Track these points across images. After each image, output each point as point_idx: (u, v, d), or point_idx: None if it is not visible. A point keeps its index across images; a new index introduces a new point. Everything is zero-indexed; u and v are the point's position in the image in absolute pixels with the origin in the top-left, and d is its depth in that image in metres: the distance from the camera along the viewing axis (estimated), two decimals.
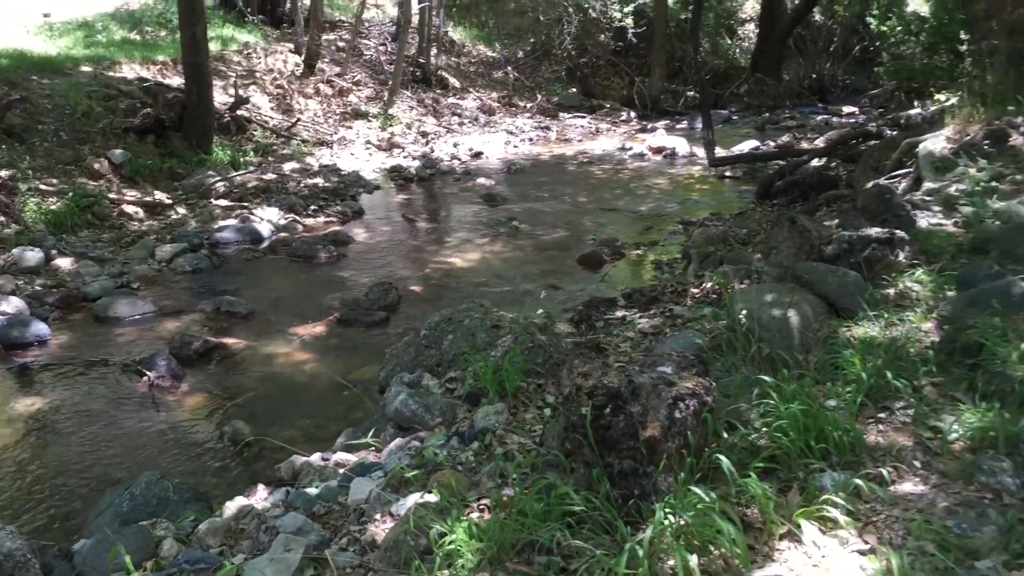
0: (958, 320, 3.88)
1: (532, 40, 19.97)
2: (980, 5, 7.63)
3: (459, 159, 13.42)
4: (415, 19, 17.30)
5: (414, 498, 3.17)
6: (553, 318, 6.05)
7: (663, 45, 17.43)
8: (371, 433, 4.21)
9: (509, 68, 18.94)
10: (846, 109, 17.54)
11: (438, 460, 3.62)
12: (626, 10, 17.85)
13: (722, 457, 2.82)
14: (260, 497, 3.73)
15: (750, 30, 21.88)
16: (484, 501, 3.16)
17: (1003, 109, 6.88)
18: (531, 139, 15.24)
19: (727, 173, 11.66)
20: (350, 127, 14.38)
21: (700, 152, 12.11)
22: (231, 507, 3.50)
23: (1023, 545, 2.58)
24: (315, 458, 4.15)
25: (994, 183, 6.02)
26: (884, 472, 2.98)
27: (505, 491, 3.16)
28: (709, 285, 6.26)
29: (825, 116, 16.94)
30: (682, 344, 4.50)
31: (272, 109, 13.90)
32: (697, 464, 2.95)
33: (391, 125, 14.64)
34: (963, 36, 9.49)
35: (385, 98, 15.42)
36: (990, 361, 3.57)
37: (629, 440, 2.92)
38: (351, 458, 4.07)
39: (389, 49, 17.69)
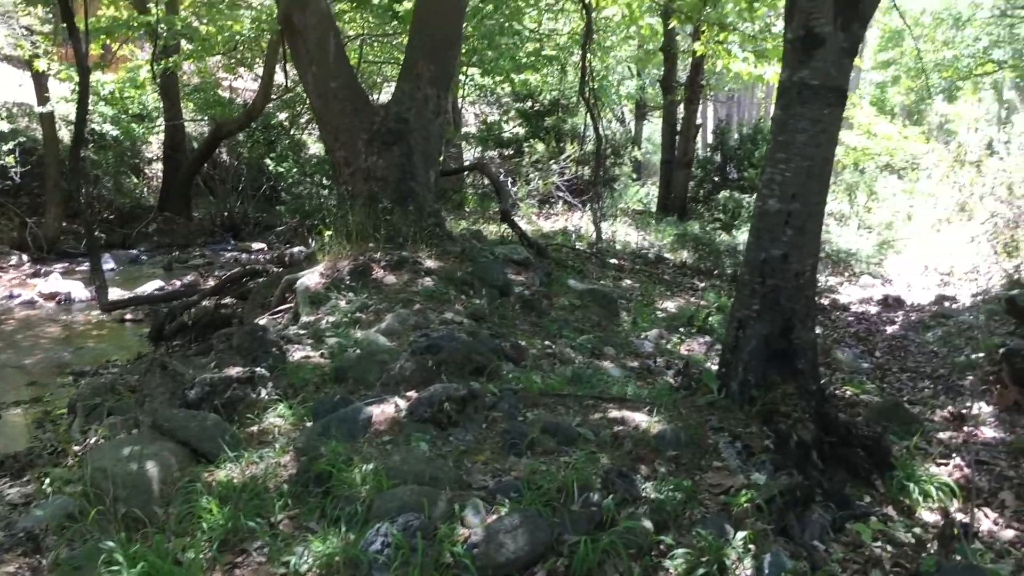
0: (311, 450, 4.08)
1: None
2: (340, 153, 8.46)
3: None
4: None
5: None
6: None
7: (57, 184, 16.41)
8: None
9: None
10: (255, 246, 18.11)
11: None
12: (6, 148, 16.46)
13: None
14: None
15: (158, 169, 21.65)
16: None
17: (365, 246, 7.65)
18: None
19: (128, 316, 11.18)
20: None
21: None
22: None
23: None
24: None
25: (359, 314, 6.60)
26: None
27: None
28: (93, 440, 5.84)
29: (235, 253, 17.29)
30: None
31: None
32: None
33: None
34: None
35: None
36: (338, 487, 3.80)
37: None
38: None
39: None
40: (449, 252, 7.98)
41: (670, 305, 9.51)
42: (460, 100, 21.74)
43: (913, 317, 10.09)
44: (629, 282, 10.59)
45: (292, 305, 7.30)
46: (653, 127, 29.38)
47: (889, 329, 9.59)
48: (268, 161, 18.53)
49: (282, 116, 21.22)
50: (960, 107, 24.85)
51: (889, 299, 11.44)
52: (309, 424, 4.52)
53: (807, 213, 4.75)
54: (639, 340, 7.53)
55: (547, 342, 6.73)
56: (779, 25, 11.06)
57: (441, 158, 9.99)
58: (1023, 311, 8.20)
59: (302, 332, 6.35)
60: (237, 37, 17.14)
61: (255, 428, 4.49)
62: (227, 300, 9.44)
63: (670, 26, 15.96)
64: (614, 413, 4.71)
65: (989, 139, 15.56)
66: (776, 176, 4.76)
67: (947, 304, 10.84)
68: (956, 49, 25.58)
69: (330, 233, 8.20)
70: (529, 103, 20.68)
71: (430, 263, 7.64)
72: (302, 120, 21.47)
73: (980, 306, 9.97)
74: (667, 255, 13.40)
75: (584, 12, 11.67)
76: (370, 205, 8.01)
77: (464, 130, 22.80)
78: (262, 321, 7.12)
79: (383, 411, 4.49)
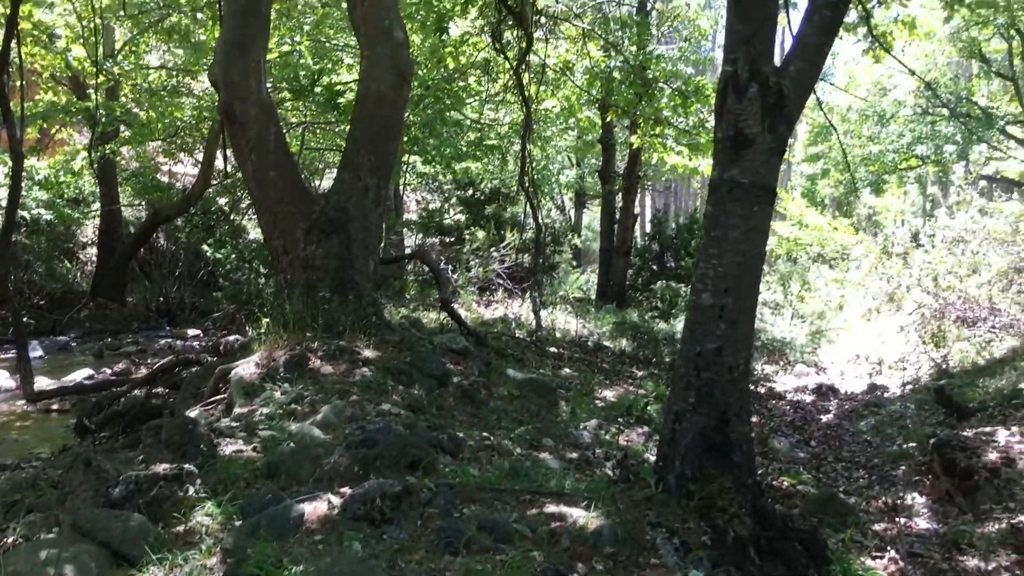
0: (239, 551, 3.94)
1: None
2: (279, 241, 8.41)
3: None
4: None
5: None
6: None
7: None
8: None
9: None
10: (191, 332, 17.75)
11: None
12: None
13: None
14: None
15: (93, 253, 21.28)
16: None
17: (302, 335, 7.54)
18: None
19: (54, 406, 10.82)
20: None
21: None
22: None
23: None
24: None
25: (294, 405, 6.46)
26: None
27: None
28: (11, 540, 5.56)
29: (170, 339, 16.93)
30: None
31: None
32: None
33: None
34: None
35: None
36: None
37: None
38: None
39: None
40: (387, 341, 7.91)
41: (609, 394, 9.53)
42: (401, 187, 21.93)
43: (847, 406, 10.26)
44: (568, 371, 10.61)
45: (226, 396, 7.14)
46: (592, 215, 29.94)
47: (824, 418, 9.73)
48: (206, 246, 18.36)
49: (222, 201, 21.13)
50: (887, 199, 25.82)
51: (823, 388, 11.64)
52: (238, 523, 4.37)
53: (740, 307, 4.84)
54: (578, 431, 7.50)
55: (485, 433, 6.66)
56: (712, 121, 11.47)
57: (381, 245, 10.00)
58: (951, 400, 8.40)
59: (235, 424, 6.19)
60: (178, 123, 17.17)
61: (181, 528, 4.33)
62: (159, 389, 9.19)
63: (608, 119, 16.43)
64: (551, 508, 4.65)
65: (915, 231, 16.13)
66: (709, 271, 4.86)
67: (879, 393, 11.06)
68: (881, 144, 26.72)
69: (267, 321, 8.09)
70: (470, 191, 20.96)
71: (368, 353, 7.56)
72: (242, 205, 21.39)
73: (910, 395, 10.19)
74: (606, 343, 13.49)
75: (524, 104, 11.93)
76: (308, 294, 7.94)
77: (405, 216, 22.95)
78: (194, 413, 6.93)
79: (315, 508, 4.37)
